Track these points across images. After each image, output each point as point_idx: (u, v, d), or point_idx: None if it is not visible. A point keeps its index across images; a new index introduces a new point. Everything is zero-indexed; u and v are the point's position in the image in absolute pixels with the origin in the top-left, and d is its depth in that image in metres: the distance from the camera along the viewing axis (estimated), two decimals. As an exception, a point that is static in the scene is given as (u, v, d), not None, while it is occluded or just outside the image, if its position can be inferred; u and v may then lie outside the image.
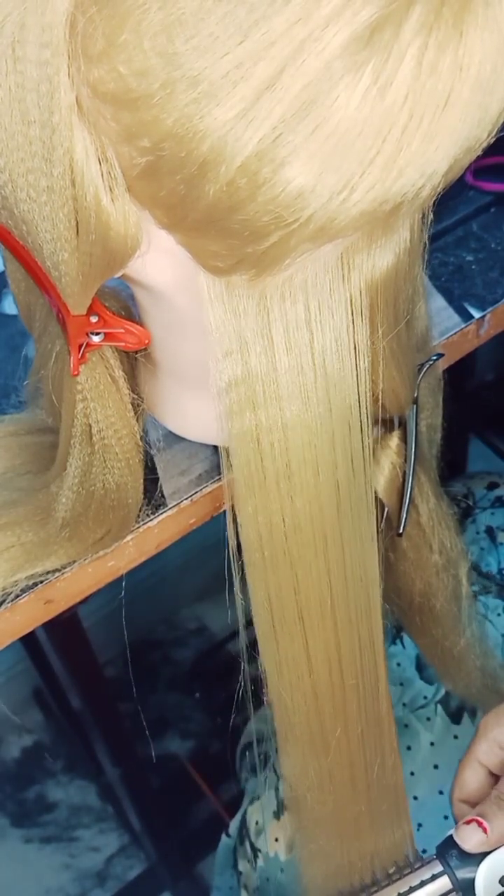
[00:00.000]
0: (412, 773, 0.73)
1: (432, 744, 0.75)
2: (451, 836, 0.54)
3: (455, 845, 0.54)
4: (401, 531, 0.58)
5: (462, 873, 0.54)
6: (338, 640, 0.52)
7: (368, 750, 0.57)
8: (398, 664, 0.79)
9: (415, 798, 0.72)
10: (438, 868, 0.55)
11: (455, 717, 0.75)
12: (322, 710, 0.54)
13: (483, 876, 0.53)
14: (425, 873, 0.55)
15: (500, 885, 0.53)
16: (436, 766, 0.73)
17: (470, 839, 0.53)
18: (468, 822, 0.53)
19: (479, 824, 0.53)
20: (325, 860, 0.62)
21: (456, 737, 0.75)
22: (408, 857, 0.60)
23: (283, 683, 0.53)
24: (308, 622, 0.51)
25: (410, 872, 0.56)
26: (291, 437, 0.45)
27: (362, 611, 0.52)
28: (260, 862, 0.76)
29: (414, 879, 0.55)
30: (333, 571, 0.49)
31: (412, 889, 0.55)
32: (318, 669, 0.52)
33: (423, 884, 0.55)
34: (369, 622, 0.53)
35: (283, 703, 0.54)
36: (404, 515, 0.58)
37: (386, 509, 0.59)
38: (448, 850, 0.54)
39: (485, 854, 0.53)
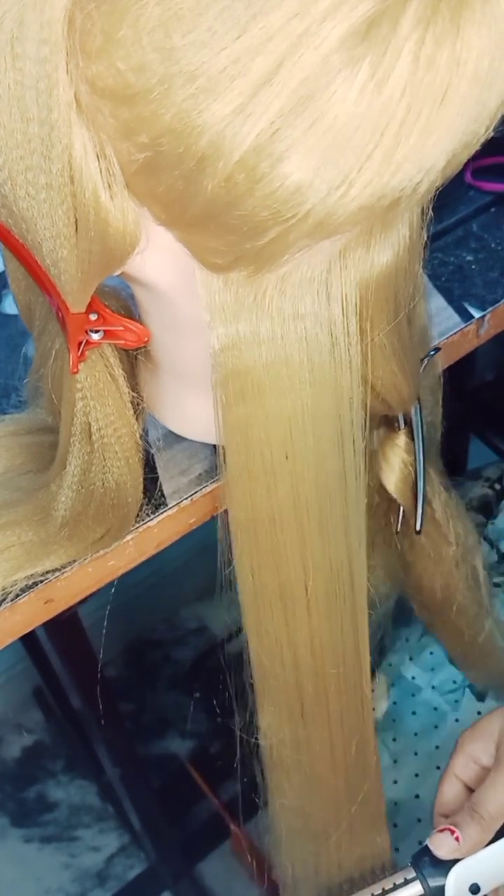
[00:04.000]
0: (437, 747, 0.76)
1: (457, 720, 0.77)
2: (426, 846, 0.57)
3: (429, 854, 0.57)
4: (419, 529, 0.59)
5: (434, 880, 0.57)
6: (319, 620, 0.53)
7: (347, 728, 0.58)
8: (431, 653, 0.81)
9: (437, 768, 0.75)
10: (412, 874, 0.58)
11: (481, 697, 0.77)
12: (302, 684, 0.55)
13: (453, 882, 0.56)
14: (399, 878, 0.58)
15: (469, 893, 0.57)
16: None
17: (442, 846, 0.56)
18: (441, 831, 0.56)
19: (452, 832, 0.56)
20: (297, 823, 0.63)
21: (479, 713, 0.77)
22: (384, 863, 0.64)
23: (262, 648, 0.54)
24: (288, 601, 0.52)
25: (385, 877, 0.59)
26: (277, 427, 0.45)
27: (346, 596, 0.53)
28: None
29: (388, 883, 0.58)
30: (315, 556, 0.50)
31: (385, 892, 0.58)
32: (300, 645, 0.53)
33: (396, 887, 0.58)
34: (353, 608, 0.53)
35: (262, 667, 0.55)
36: (420, 512, 0.58)
37: (402, 510, 0.59)
38: (422, 858, 0.57)
39: (455, 862, 0.57)
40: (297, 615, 0.52)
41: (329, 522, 0.49)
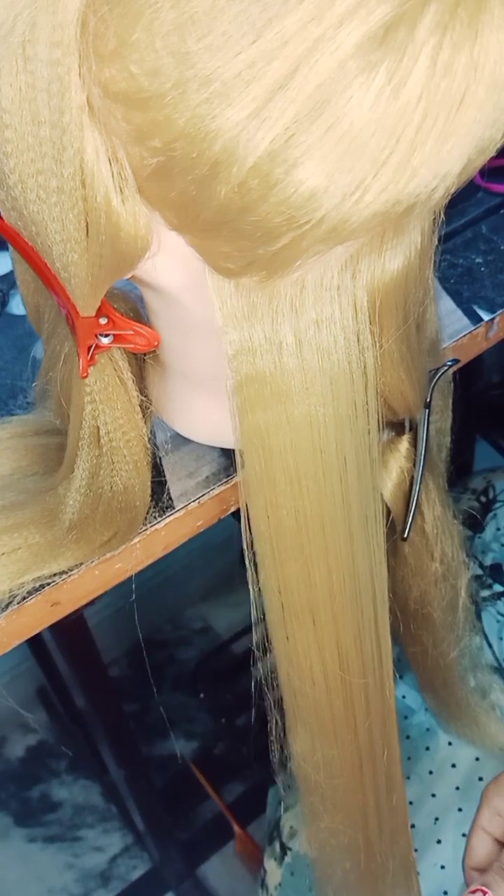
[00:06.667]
0: (430, 772, 0.76)
1: (450, 743, 0.77)
2: None
3: None
4: (406, 535, 0.58)
5: None
6: (346, 633, 0.52)
7: (375, 741, 0.58)
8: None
9: (433, 795, 0.74)
10: None
11: None
12: (332, 701, 0.55)
13: None
14: None
15: None
16: None
17: None
18: (474, 892, 0.58)
19: (484, 894, 0.57)
20: (332, 841, 0.63)
21: None
22: None
23: (292, 669, 0.54)
24: (317, 615, 0.51)
25: None
26: (299, 436, 0.45)
27: (369, 605, 0.52)
28: (287, 859, 0.78)
29: None
30: (342, 566, 0.50)
31: None
32: (328, 660, 0.53)
33: None
34: (375, 614, 0.53)
35: (292, 687, 0.55)
36: (410, 520, 0.58)
37: (391, 513, 0.59)
38: None
39: None
40: (326, 627, 0.51)
41: (354, 527, 0.48)
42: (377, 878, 0.64)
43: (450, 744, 0.76)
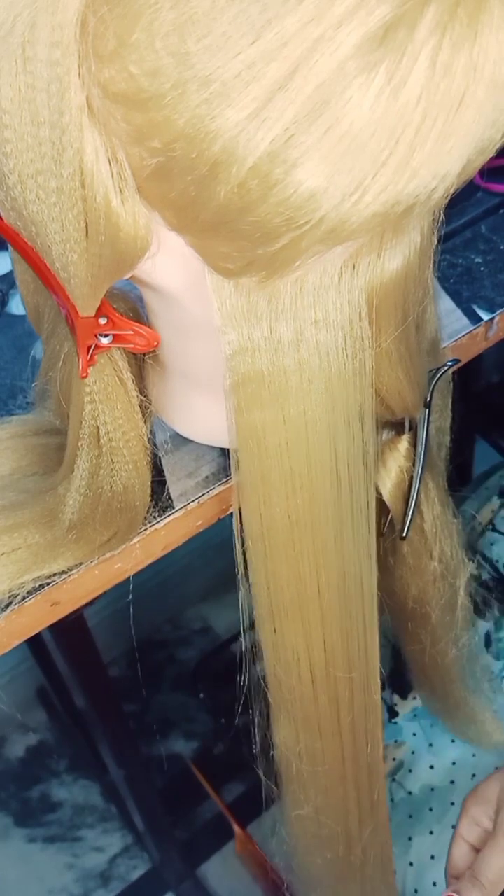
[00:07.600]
0: (432, 791, 0.76)
1: (431, 744, 0.77)
2: None
3: None
4: (405, 534, 0.58)
5: None
6: (333, 631, 0.52)
7: (358, 737, 0.58)
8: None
9: (430, 809, 0.74)
10: None
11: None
12: (317, 696, 0.55)
13: None
14: None
15: None
16: None
17: None
18: None
19: None
20: (312, 830, 0.64)
21: (453, 741, 0.76)
22: None
23: (278, 663, 0.54)
24: (305, 611, 0.51)
25: None
26: (294, 435, 0.45)
27: (358, 603, 0.52)
28: None
29: None
30: (332, 565, 0.50)
31: None
32: (315, 656, 0.53)
33: None
34: (364, 615, 0.53)
35: (278, 680, 0.55)
36: (409, 519, 0.58)
37: (390, 513, 0.59)
38: None
39: None
40: (313, 624, 0.52)
41: (345, 527, 0.49)
42: (355, 871, 0.65)
43: (452, 741, 0.77)
